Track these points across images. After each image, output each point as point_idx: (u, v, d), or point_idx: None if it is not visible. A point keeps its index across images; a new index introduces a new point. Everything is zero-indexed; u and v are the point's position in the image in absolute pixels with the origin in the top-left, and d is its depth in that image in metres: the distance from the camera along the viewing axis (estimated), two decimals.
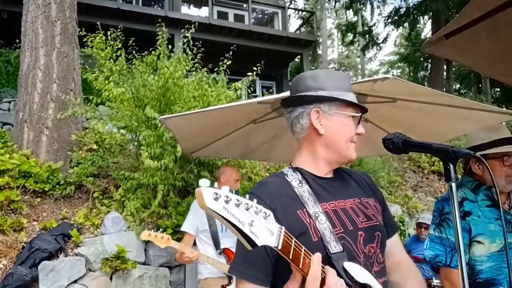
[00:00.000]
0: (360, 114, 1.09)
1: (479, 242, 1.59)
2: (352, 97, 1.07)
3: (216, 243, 3.00)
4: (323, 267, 0.77)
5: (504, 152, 1.66)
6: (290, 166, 1.14)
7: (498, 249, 1.58)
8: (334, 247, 0.92)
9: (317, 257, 0.75)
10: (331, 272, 0.78)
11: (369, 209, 1.09)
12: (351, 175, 1.20)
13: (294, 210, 0.98)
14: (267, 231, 0.68)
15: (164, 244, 2.84)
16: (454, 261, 1.61)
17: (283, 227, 0.73)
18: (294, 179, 1.06)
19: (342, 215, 1.03)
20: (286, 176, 1.08)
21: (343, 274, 0.85)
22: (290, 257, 0.74)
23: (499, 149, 1.66)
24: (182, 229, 3.11)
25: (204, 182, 0.54)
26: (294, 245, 0.75)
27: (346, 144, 1.07)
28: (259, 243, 0.67)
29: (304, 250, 0.77)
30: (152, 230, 2.93)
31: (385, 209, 1.19)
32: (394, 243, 1.19)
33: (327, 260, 0.88)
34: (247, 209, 0.67)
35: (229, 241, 3.01)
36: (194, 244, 3.11)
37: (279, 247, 0.71)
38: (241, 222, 0.66)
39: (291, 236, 0.74)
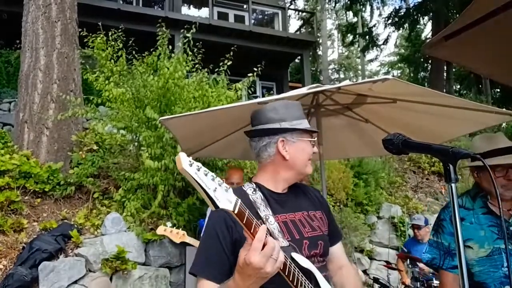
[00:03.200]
0: (316, 138, 1.31)
1: (468, 246, 1.64)
2: (306, 124, 1.28)
3: None
4: (267, 236, 0.91)
5: (495, 164, 1.64)
6: (249, 182, 1.31)
7: (486, 254, 1.62)
8: (282, 242, 1.11)
9: (263, 226, 0.91)
10: (270, 238, 0.92)
11: (315, 221, 1.29)
12: (304, 190, 1.39)
13: None
14: (226, 200, 0.85)
15: (179, 240, 2.83)
16: (446, 263, 1.70)
17: (240, 200, 0.88)
18: (249, 188, 1.25)
19: (291, 225, 1.22)
20: (243, 187, 1.26)
21: (291, 261, 1.02)
22: (244, 222, 0.88)
23: (490, 160, 1.63)
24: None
25: (183, 153, 0.71)
26: (248, 215, 0.90)
27: (305, 163, 1.28)
28: (220, 206, 0.83)
29: (256, 221, 0.91)
30: (168, 225, 2.91)
31: (331, 221, 1.39)
32: (338, 249, 1.40)
33: None
34: (213, 179, 0.84)
35: None
36: None
37: (236, 212, 0.86)
38: (208, 187, 0.82)
39: (246, 208, 0.90)
